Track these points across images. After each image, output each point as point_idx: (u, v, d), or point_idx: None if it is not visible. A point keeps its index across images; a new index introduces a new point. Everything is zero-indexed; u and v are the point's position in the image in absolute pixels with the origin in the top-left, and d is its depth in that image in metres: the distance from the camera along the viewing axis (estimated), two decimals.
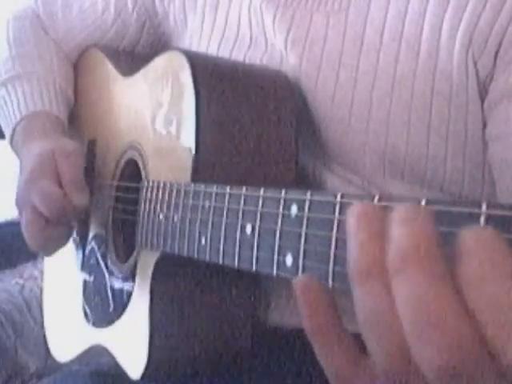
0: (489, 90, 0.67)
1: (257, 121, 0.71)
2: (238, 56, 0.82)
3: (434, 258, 0.31)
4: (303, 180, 0.74)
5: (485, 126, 0.69)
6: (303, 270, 0.45)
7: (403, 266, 0.32)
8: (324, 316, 0.37)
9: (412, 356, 0.32)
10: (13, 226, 1.72)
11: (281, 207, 0.48)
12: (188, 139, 0.69)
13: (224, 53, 0.83)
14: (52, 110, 0.92)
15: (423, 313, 0.31)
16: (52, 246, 0.84)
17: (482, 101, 0.68)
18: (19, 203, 0.82)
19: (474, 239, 0.30)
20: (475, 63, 0.66)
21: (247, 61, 0.81)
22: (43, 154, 0.82)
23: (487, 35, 0.65)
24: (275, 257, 0.49)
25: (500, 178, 0.68)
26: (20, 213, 0.83)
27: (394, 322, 0.33)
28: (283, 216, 0.48)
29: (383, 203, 0.38)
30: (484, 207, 0.32)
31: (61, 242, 0.85)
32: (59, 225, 0.81)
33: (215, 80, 0.71)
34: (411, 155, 0.70)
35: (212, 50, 0.85)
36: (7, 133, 0.93)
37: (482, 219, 0.32)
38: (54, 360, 0.99)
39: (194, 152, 0.68)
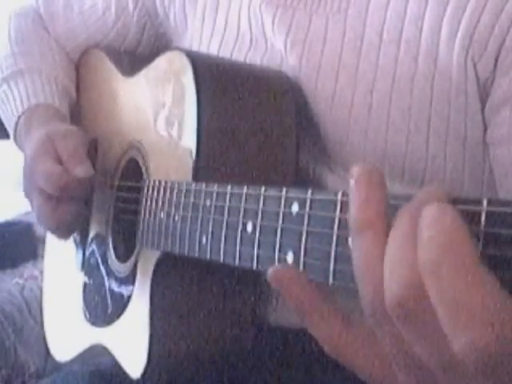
0: (490, 93, 0.67)
1: (257, 121, 0.71)
2: (239, 57, 0.82)
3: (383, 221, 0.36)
4: (304, 180, 0.75)
5: (485, 127, 0.69)
6: (304, 268, 0.46)
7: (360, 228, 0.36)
8: (303, 297, 0.40)
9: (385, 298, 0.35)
10: (13, 226, 1.73)
11: (282, 205, 0.48)
12: (189, 140, 0.69)
13: (224, 54, 0.84)
14: (54, 103, 0.93)
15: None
16: (66, 225, 0.84)
17: (482, 102, 0.68)
18: (26, 191, 0.83)
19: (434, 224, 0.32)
20: (475, 65, 0.66)
21: (247, 62, 0.81)
22: (40, 138, 0.82)
23: (487, 37, 0.65)
24: (276, 255, 0.49)
25: (503, 181, 0.69)
26: (29, 200, 0.83)
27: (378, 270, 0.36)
28: (284, 214, 0.48)
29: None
30: (485, 204, 0.32)
31: (75, 221, 0.84)
32: (70, 202, 0.80)
33: (217, 80, 0.71)
34: (411, 156, 0.70)
35: (212, 51, 0.85)
36: (11, 129, 0.93)
37: (483, 216, 0.32)
38: (53, 360, 0.99)
39: (194, 153, 0.68)
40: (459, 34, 0.66)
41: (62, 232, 0.86)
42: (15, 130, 0.92)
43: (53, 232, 0.85)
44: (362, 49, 0.72)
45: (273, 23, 0.78)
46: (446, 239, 0.31)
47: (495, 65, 0.66)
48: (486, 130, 0.69)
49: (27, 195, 0.83)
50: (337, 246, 0.42)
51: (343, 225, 0.42)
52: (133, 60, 0.96)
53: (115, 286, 0.83)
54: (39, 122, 0.89)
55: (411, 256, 0.33)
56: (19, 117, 0.91)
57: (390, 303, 0.34)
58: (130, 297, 0.78)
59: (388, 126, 0.70)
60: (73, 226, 0.85)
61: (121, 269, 0.83)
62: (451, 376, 0.34)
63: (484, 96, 0.68)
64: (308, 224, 0.45)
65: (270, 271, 0.41)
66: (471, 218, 0.33)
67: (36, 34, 1.01)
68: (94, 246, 0.91)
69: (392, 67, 0.70)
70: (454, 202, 0.34)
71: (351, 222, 0.37)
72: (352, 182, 0.37)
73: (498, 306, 0.30)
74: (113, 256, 0.86)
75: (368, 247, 0.36)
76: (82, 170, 0.79)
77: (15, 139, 0.93)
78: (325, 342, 0.40)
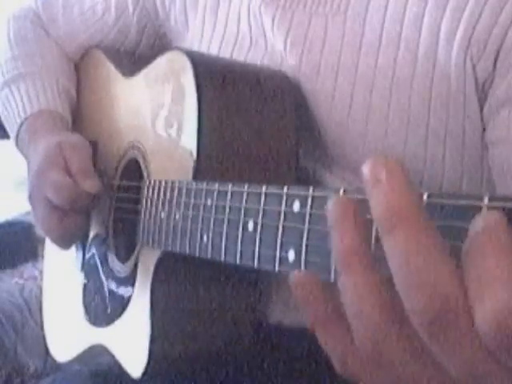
0: (489, 94, 0.67)
1: (257, 122, 0.72)
2: (239, 57, 0.83)
3: (415, 217, 0.32)
4: (304, 181, 0.75)
5: (484, 128, 0.69)
6: (305, 266, 0.46)
7: (389, 228, 0.33)
8: (321, 307, 0.38)
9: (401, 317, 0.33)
10: (13, 226, 1.73)
11: (283, 204, 0.48)
12: (189, 140, 0.70)
13: (224, 54, 0.84)
14: (56, 108, 0.93)
15: (410, 268, 0.32)
16: (70, 237, 0.85)
17: (480, 103, 0.68)
18: (32, 199, 0.83)
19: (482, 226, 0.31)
20: (474, 66, 0.66)
21: (247, 62, 0.82)
22: (50, 148, 0.83)
23: (486, 39, 0.65)
24: (277, 253, 0.49)
25: (502, 181, 0.69)
26: (34, 208, 0.83)
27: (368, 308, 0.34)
28: (286, 212, 0.48)
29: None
30: (486, 200, 0.32)
31: (78, 233, 0.85)
32: (75, 214, 0.81)
33: (217, 80, 0.71)
34: (409, 156, 0.70)
35: (213, 52, 0.85)
36: (12, 132, 0.93)
37: (484, 212, 0.32)
38: (54, 360, 0.99)
39: (195, 154, 0.68)
40: (458, 35, 0.66)
41: (64, 243, 0.87)
42: (17, 136, 0.92)
43: (55, 242, 0.86)
44: (361, 49, 0.72)
45: (272, 24, 0.78)
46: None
47: (494, 66, 0.66)
48: (484, 130, 0.70)
49: (32, 202, 0.83)
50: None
51: None
52: (133, 60, 0.97)
53: (115, 286, 0.83)
54: (44, 129, 0.89)
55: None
56: (21, 123, 0.91)
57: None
58: (130, 297, 0.78)
59: (387, 126, 0.70)
60: (75, 237, 0.86)
61: (121, 269, 0.83)
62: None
63: (483, 97, 0.68)
64: (309, 222, 0.45)
65: (293, 276, 0.39)
66: (471, 216, 0.33)
67: (35, 35, 1.01)
68: (94, 247, 0.91)
69: (391, 68, 0.70)
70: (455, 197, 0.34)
71: (379, 222, 0.34)
72: (367, 174, 0.34)
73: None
74: (113, 256, 0.86)
75: (408, 245, 0.33)
76: (90, 184, 0.80)
77: (17, 144, 0.93)
78: (335, 358, 0.38)
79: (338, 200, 0.36)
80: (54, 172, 0.80)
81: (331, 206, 0.36)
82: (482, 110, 0.68)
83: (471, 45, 0.66)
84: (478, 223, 0.31)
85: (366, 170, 0.34)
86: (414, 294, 0.32)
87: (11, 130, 0.94)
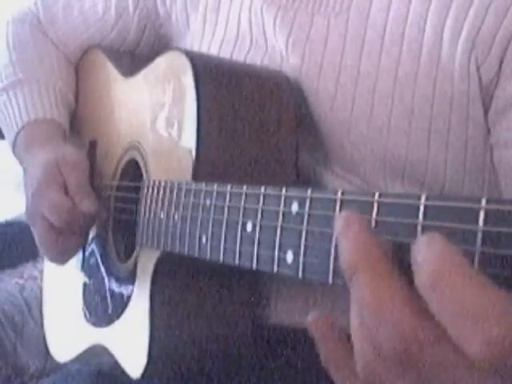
0: (494, 96, 0.67)
1: (257, 122, 0.71)
2: (239, 57, 0.82)
3: (377, 260, 0.35)
4: (304, 181, 0.75)
5: (487, 129, 0.69)
6: (304, 267, 0.46)
7: (351, 274, 0.36)
8: (335, 347, 0.41)
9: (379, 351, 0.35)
10: (13, 226, 1.73)
11: (282, 205, 0.48)
12: (189, 140, 0.69)
13: (225, 54, 0.84)
14: (53, 115, 0.93)
15: (370, 310, 0.34)
16: (67, 255, 0.86)
17: (484, 104, 0.68)
18: (30, 217, 0.83)
19: (425, 250, 0.33)
20: (478, 68, 0.66)
21: (248, 62, 0.82)
22: (47, 165, 0.83)
23: (491, 40, 0.65)
24: (276, 254, 0.49)
25: (508, 183, 0.69)
26: (32, 226, 0.84)
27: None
28: (284, 213, 0.48)
29: (384, 200, 0.39)
30: (483, 202, 0.32)
31: (74, 252, 0.86)
32: (72, 234, 0.82)
33: (216, 80, 0.71)
34: (412, 157, 0.70)
35: (213, 52, 0.85)
36: (9, 140, 0.94)
37: (482, 214, 0.32)
38: (53, 360, 0.99)
39: (194, 153, 0.68)
40: (462, 36, 0.66)
41: (60, 261, 0.87)
42: (14, 144, 0.93)
43: (51, 260, 0.87)
44: (363, 49, 0.72)
45: (274, 24, 0.78)
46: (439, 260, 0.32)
47: (499, 68, 0.66)
48: (488, 131, 0.69)
49: (30, 219, 0.83)
50: (336, 244, 0.42)
51: None
52: (133, 60, 0.97)
53: (115, 286, 0.83)
54: (40, 140, 0.89)
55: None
56: (18, 132, 0.92)
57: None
58: (129, 297, 0.78)
59: (389, 126, 0.70)
60: (71, 256, 0.87)
61: (121, 269, 0.83)
62: None
63: (487, 98, 0.68)
64: (308, 223, 0.45)
65: (310, 316, 0.41)
66: (469, 218, 0.33)
67: (34, 39, 1.01)
68: (94, 247, 0.91)
69: (394, 68, 0.70)
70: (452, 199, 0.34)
71: (344, 270, 0.37)
72: (336, 227, 0.38)
73: (502, 300, 0.30)
74: (113, 256, 0.86)
75: (366, 291, 0.35)
76: (88, 205, 0.80)
77: (14, 152, 0.94)
78: None
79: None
80: (52, 191, 0.80)
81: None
82: (485, 111, 0.68)
83: (476, 46, 0.65)
84: (423, 247, 0.33)
85: (335, 224, 0.38)
86: (377, 335, 0.34)
87: (8, 136, 0.94)
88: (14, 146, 0.93)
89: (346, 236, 0.37)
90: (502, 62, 0.65)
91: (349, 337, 0.39)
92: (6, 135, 0.96)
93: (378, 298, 0.34)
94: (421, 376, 0.34)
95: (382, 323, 0.34)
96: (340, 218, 0.38)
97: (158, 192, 0.72)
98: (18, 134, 0.92)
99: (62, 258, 0.86)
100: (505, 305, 0.30)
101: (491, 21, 0.64)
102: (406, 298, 0.34)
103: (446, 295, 0.31)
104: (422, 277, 0.33)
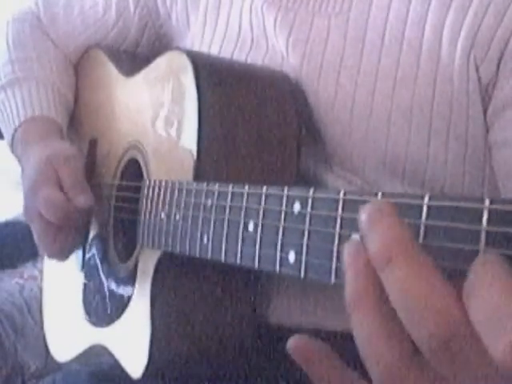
0: (493, 96, 0.67)
1: (258, 122, 0.71)
2: (240, 57, 0.82)
3: (411, 250, 0.34)
4: (304, 181, 0.75)
5: (487, 129, 0.69)
6: (306, 267, 0.46)
7: (385, 265, 0.34)
8: (320, 367, 0.41)
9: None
10: (13, 226, 1.73)
11: (284, 204, 0.48)
12: (189, 140, 0.69)
13: (225, 54, 0.84)
14: (50, 114, 0.93)
15: (414, 298, 0.33)
16: (66, 251, 0.86)
17: (484, 104, 0.68)
18: (28, 214, 0.83)
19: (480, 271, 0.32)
20: (477, 67, 0.66)
21: (248, 62, 0.82)
22: (41, 162, 0.83)
23: (490, 40, 0.65)
24: (278, 253, 0.49)
25: (507, 183, 0.69)
26: (30, 223, 0.84)
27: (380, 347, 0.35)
28: (286, 213, 0.48)
29: (385, 199, 0.39)
30: (487, 202, 0.32)
31: (73, 248, 0.86)
32: (69, 230, 0.82)
33: (217, 80, 0.71)
34: (412, 157, 0.70)
35: (214, 52, 0.85)
36: (7, 138, 0.94)
37: (485, 214, 0.32)
38: (53, 360, 0.99)
39: (195, 154, 0.68)
40: (461, 36, 0.66)
41: (60, 257, 0.87)
42: (12, 142, 0.93)
43: (50, 257, 0.88)
44: (363, 50, 0.72)
45: (275, 24, 0.78)
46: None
47: (498, 67, 0.66)
48: (487, 131, 0.69)
49: (27, 216, 0.84)
50: (339, 244, 0.42)
51: (345, 224, 0.42)
52: (133, 60, 0.97)
53: (115, 286, 0.83)
54: (36, 138, 0.89)
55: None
56: (15, 129, 0.92)
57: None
58: (130, 297, 0.78)
59: (389, 126, 0.70)
60: (70, 252, 0.87)
61: (121, 269, 0.83)
62: None
63: (486, 98, 0.68)
64: (310, 223, 0.45)
65: (290, 343, 0.41)
66: (472, 218, 0.33)
67: (34, 39, 1.01)
68: (94, 247, 0.91)
69: (394, 68, 0.70)
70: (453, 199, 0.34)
71: (375, 259, 0.35)
72: (364, 218, 0.35)
73: None
74: (113, 256, 0.86)
75: (408, 275, 0.33)
76: (83, 200, 0.80)
77: (12, 150, 0.94)
78: None
79: (350, 245, 0.37)
80: (47, 188, 0.80)
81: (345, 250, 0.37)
82: (485, 111, 0.68)
83: (475, 46, 0.66)
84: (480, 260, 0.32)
85: (363, 215, 0.35)
86: (419, 323, 0.33)
87: (7, 135, 0.94)
88: (11, 145, 0.93)
89: (380, 225, 0.34)
90: (500, 61, 0.65)
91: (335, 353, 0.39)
92: (4, 134, 0.96)
93: (425, 286, 0.33)
94: (454, 368, 0.33)
95: (430, 311, 0.32)
96: (370, 208, 0.35)
97: (158, 192, 0.72)
98: (15, 132, 0.92)
99: (61, 254, 0.86)
100: None
101: (490, 21, 0.65)
102: (448, 286, 0.33)
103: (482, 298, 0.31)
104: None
